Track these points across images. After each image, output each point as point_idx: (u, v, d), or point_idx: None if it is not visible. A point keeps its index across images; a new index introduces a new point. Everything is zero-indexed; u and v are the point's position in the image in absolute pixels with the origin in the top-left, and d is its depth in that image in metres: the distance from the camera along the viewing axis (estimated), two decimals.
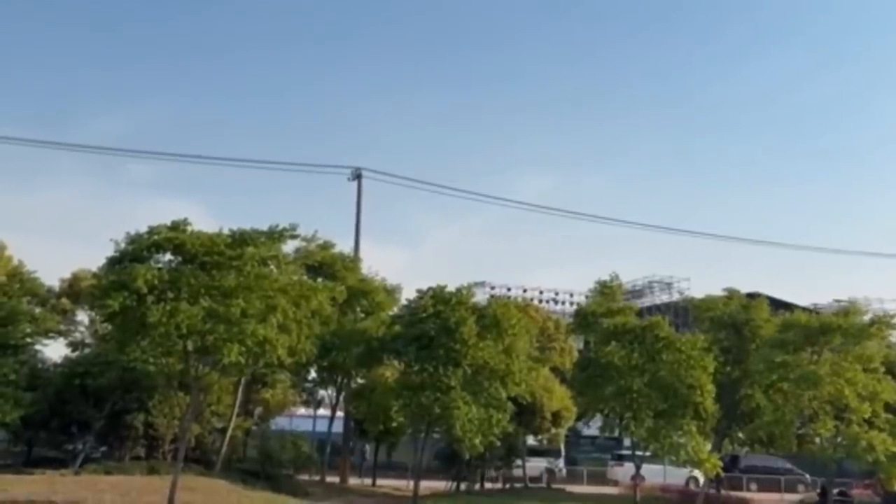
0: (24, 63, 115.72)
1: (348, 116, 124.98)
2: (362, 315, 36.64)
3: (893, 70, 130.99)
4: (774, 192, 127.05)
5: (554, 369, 41.65)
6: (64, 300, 37.15)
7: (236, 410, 34.38)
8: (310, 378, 41.08)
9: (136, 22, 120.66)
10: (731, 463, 42.70)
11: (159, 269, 24.83)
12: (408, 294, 36.58)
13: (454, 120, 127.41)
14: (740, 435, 40.11)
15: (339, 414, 40.93)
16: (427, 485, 34.04)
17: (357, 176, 44.88)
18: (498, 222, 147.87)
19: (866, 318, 38.09)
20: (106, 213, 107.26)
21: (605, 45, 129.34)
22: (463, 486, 38.50)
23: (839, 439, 34.09)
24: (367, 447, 44.89)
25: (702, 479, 39.40)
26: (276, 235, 26.52)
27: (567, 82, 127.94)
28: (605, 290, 36.15)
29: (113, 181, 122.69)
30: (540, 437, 41.95)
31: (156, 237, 25.20)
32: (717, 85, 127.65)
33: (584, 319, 36.82)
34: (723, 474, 37.14)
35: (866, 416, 33.38)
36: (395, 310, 36.97)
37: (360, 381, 36.87)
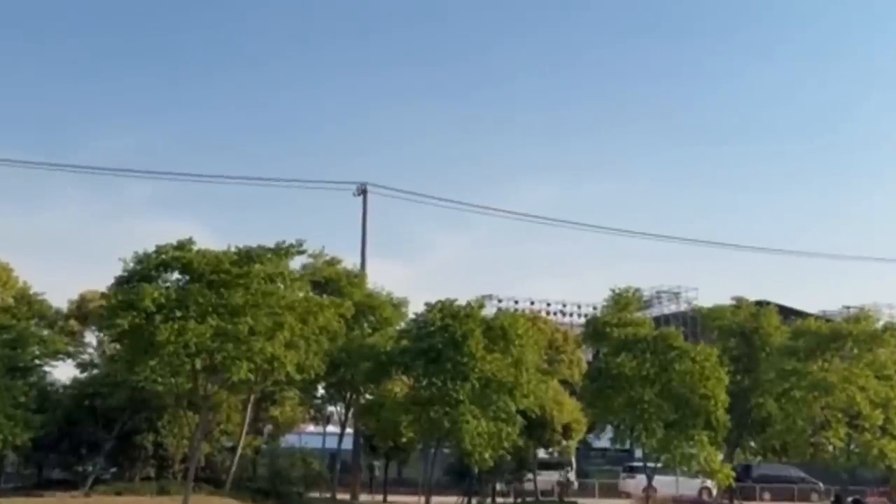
0: (24, 85, 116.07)
1: (348, 129, 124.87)
2: (370, 330, 36.55)
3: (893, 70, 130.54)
4: (781, 198, 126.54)
5: (563, 382, 41.47)
6: (72, 321, 37.12)
7: (246, 429, 34.30)
8: (319, 395, 40.98)
9: (135, 41, 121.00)
10: (744, 472, 42.46)
11: (167, 288, 24.92)
12: (414, 308, 36.49)
13: (455, 129, 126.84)
14: (752, 444, 39.89)
15: (349, 430, 40.81)
16: (438, 500, 33.87)
17: (362, 191, 44.90)
18: (503, 233, 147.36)
19: (878, 324, 37.97)
20: (109, 233, 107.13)
21: (607, 50, 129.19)
22: (474, 501, 38.30)
23: (852, 447, 33.89)
24: (378, 463, 44.76)
25: (715, 490, 39.17)
26: (282, 252, 26.59)
27: (569, 89, 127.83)
28: (620, 299, 35.96)
29: (115, 201, 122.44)
30: (551, 449, 41.75)
31: (163, 256, 25.31)
32: (721, 90, 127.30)
33: (595, 329, 36.66)
34: (735, 484, 36.90)
35: (879, 424, 33.19)
36: (403, 324, 36.89)
37: (368, 396, 36.74)
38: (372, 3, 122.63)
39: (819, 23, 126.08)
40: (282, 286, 26.90)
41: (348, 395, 38.20)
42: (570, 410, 38.25)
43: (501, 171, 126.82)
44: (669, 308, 66.46)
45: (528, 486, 41.25)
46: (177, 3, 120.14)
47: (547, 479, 43.57)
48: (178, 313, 24.27)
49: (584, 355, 46.92)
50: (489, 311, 39.50)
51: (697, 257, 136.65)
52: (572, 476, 46.15)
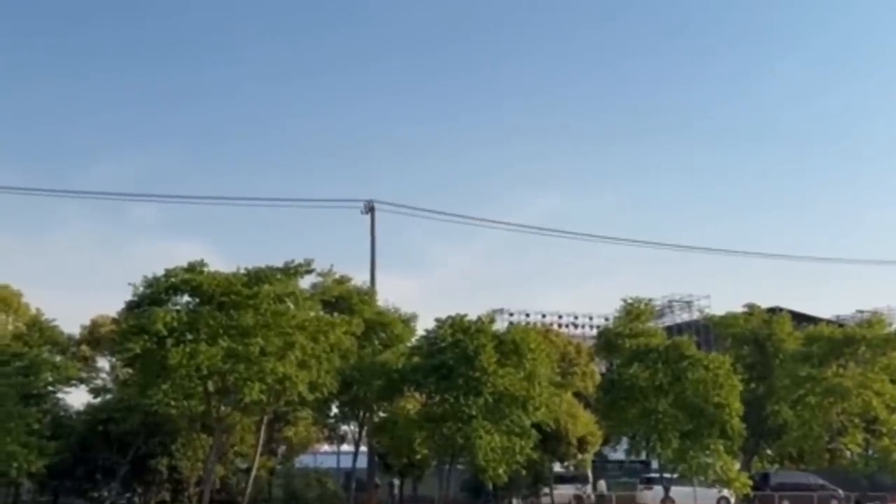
0: (27, 111, 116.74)
1: (355, 148, 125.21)
2: (381, 347, 36.51)
3: None
4: (791, 203, 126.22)
5: (577, 394, 41.25)
6: (84, 347, 37.24)
7: (260, 450, 34.20)
8: (332, 414, 40.90)
9: (139, 64, 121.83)
10: (762, 481, 42.05)
11: (177, 311, 24.97)
12: (424, 323, 36.44)
13: (460, 142, 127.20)
14: (769, 452, 39.59)
15: (363, 449, 40.69)
16: None
17: (370, 209, 44.98)
18: (512, 246, 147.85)
19: (892, 328, 37.76)
20: (115, 258, 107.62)
21: (616, 61, 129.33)
22: None
23: (870, 452, 33.63)
24: (396, 481, 44.58)
25: (732, 499, 38.84)
26: (291, 272, 26.66)
27: (574, 101, 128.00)
28: (633, 310, 35.82)
29: (119, 226, 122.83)
30: (566, 463, 41.47)
31: (173, 279, 25.42)
32: (731, 98, 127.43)
33: (607, 341, 36.52)
34: (753, 493, 36.60)
35: None
36: (414, 340, 36.83)
37: (381, 414, 36.67)
38: (378, 25, 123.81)
39: (831, 30, 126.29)
40: (292, 306, 26.97)
41: (361, 414, 38.08)
42: (584, 423, 38.03)
43: (508, 183, 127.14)
44: (682, 317, 66.23)
45: (545, 500, 40.97)
46: (185, 26, 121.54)
47: (564, 492, 43.25)
48: (190, 336, 24.39)
49: (598, 367, 46.70)
50: (500, 325, 39.48)
51: (709, 265, 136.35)
52: (604, 488, 45.53)
